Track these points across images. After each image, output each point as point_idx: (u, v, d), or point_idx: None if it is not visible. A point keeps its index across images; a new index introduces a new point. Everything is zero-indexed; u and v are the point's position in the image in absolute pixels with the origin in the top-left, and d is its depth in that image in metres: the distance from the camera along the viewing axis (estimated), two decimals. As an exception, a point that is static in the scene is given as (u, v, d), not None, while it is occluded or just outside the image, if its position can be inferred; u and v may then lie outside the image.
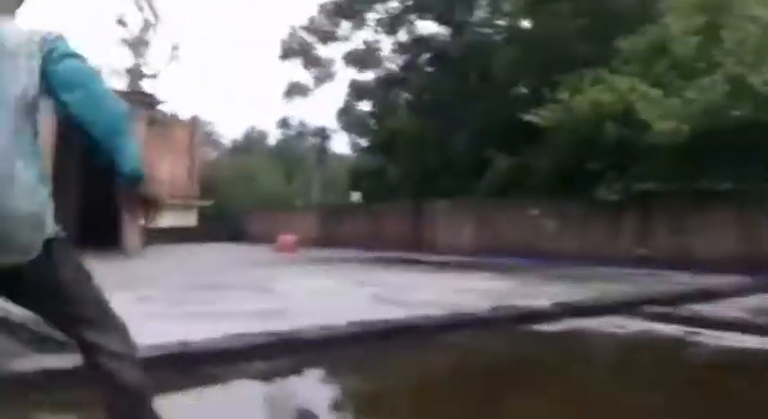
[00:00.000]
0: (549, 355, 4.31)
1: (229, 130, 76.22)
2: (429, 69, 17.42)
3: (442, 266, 10.37)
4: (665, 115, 9.28)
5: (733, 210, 9.39)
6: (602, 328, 5.02)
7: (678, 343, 4.57)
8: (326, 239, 16.91)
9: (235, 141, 42.60)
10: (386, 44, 18.94)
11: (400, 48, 18.41)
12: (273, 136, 40.46)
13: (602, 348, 4.48)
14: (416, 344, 4.25)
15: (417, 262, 11.21)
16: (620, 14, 13.00)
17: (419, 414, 2.97)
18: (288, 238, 14.80)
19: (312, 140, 32.64)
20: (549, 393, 3.31)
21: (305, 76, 21.88)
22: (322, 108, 55.49)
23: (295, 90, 22.79)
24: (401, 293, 6.51)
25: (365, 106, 20.76)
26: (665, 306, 5.71)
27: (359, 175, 20.46)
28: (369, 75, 19.78)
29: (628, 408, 3.01)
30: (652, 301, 5.84)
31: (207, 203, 22.50)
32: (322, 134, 30.35)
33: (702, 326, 4.96)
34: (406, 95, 18.44)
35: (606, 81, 10.62)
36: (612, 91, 10.27)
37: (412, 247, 14.16)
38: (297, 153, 36.19)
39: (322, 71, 21.20)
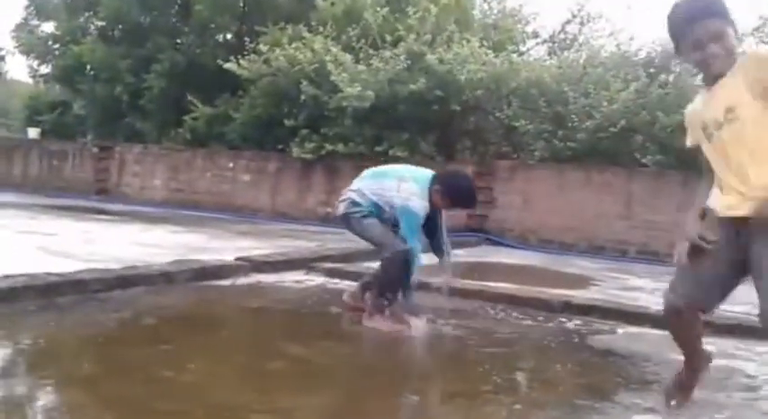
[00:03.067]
0: (220, 309, 4.39)
1: None
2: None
3: (128, 217, 9.81)
4: (353, 80, 9.88)
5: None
6: (281, 283, 5.25)
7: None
8: (-7, 180, 14.76)
9: None
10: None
11: (92, -35, 16.48)
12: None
13: (275, 301, 4.69)
14: (81, 301, 3.97)
15: (101, 211, 10.44)
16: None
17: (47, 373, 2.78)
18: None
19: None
20: (208, 347, 3.37)
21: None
22: (-5, 23, 47.66)
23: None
24: (76, 245, 6.03)
25: (48, 27, 18.37)
26: (341, 262, 6.15)
27: (38, 108, 18.12)
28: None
29: (291, 357, 3.22)
30: (330, 258, 6.24)
31: None
32: (-8, 54, 26.11)
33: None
34: (97, 21, 16.66)
35: (305, 39, 10.91)
36: (309, 50, 10.59)
37: (97, 194, 13.13)
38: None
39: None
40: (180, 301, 4.44)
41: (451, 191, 4.02)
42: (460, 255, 8.19)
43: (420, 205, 3.93)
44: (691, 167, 8.85)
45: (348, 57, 10.32)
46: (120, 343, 3.36)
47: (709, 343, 3.98)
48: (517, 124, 9.94)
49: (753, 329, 4.28)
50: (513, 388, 3.15)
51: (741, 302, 5.44)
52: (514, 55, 10.99)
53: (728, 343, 4.01)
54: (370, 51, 10.54)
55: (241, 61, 11.12)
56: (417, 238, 3.96)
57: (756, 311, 2.33)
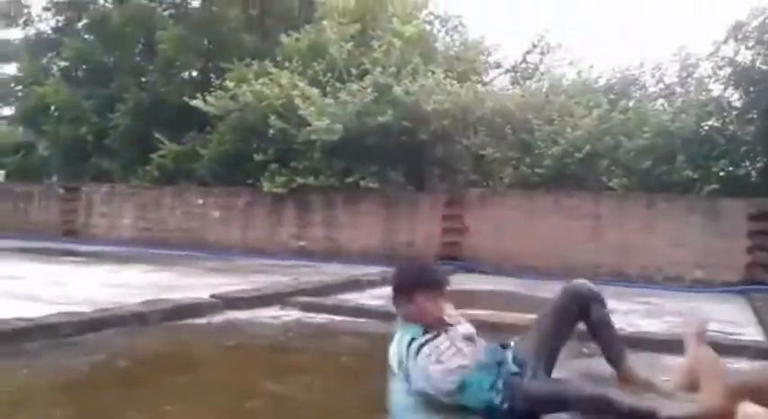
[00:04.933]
0: (196, 348, 4.32)
1: None
2: (87, 36, 15.86)
3: (97, 258, 9.64)
4: (321, 113, 9.95)
5: (379, 207, 10.48)
6: (256, 319, 5.20)
7: (323, 330, 4.97)
8: (-45, 224, 14.41)
9: None
10: (37, 1, 16.76)
11: (54, 6, 16.43)
12: None
13: (251, 338, 4.64)
14: (52, 345, 3.89)
15: (69, 252, 10.24)
16: (287, 11, 13.60)
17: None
18: None
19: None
20: (184, 388, 3.31)
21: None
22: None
23: None
24: (44, 288, 5.91)
25: (10, 69, 18.20)
26: (316, 296, 6.13)
27: (1, 150, 17.81)
28: (15, 34, 17.40)
29: (268, 395, 3.18)
30: (305, 292, 6.21)
31: None
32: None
33: (347, 315, 5.46)
34: (60, 62, 16.54)
35: (271, 74, 10.97)
36: (276, 85, 10.66)
37: (64, 236, 12.88)
38: None
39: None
40: (154, 342, 4.36)
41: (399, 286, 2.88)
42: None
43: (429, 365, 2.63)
44: (654, 189, 9.10)
45: (315, 91, 10.41)
46: (94, 388, 3.29)
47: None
48: (484, 152, 10.08)
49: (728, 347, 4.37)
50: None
51: (716, 320, 5.52)
52: (479, 85, 11.17)
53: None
54: (337, 85, 10.63)
55: (207, 98, 11.13)
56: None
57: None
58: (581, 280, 2.98)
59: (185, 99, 11.48)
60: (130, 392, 3.21)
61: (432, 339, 2.66)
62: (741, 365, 4.05)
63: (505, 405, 2.58)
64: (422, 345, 2.62)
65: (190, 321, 4.91)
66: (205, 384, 3.50)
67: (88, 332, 4.26)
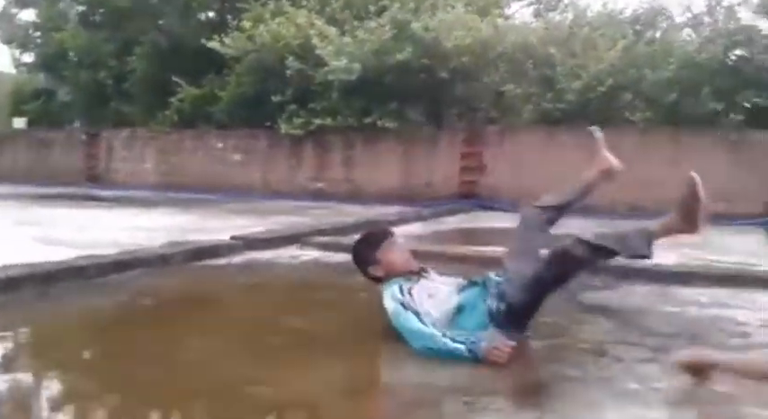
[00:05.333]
0: (217, 287, 4.42)
1: None
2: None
3: (120, 202, 9.80)
4: (338, 52, 9.81)
5: (397, 147, 10.44)
6: (276, 259, 5.28)
7: (341, 268, 5.03)
8: (-19, 172, 14.69)
9: None
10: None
11: (68, -48, 16.22)
12: None
13: (271, 277, 4.73)
14: (80, 286, 4.00)
15: (92, 198, 10.42)
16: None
17: (59, 361, 2.81)
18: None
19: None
20: (207, 325, 3.40)
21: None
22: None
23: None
24: (70, 233, 6.04)
25: (29, 15, 18.10)
26: (336, 236, 6.19)
27: (22, 97, 17.91)
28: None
29: (289, 329, 3.26)
30: (324, 232, 6.27)
31: None
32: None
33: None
34: (77, 6, 16.42)
35: (288, 13, 10.79)
36: (292, 24, 10.49)
37: (87, 181, 13.09)
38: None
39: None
40: (177, 282, 4.47)
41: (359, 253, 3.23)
42: (452, 222, 8.26)
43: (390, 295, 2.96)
44: (678, 123, 8.91)
45: (333, 30, 10.24)
46: (120, 326, 3.40)
47: (701, 294, 4.07)
48: (505, 89, 9.91)
49: (745, 278, 4.37)
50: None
51: (735, 252, 5.50)
52: (500, 19, 10.90)
53: (722, 293, 4.07)
54: (355, 23, 10.44)
55: (225, 39, 11.01)
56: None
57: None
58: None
59: (203, 41, 11.38)
60: (155, 329, 3.31)
61: (416, 282, 3.00)
62: (759, 296, 4.05)
63: (502, 306, 2.83)
64: (411, 289, 2.93)
65: (211, 262, 5.00)
66: (226, 321, 3.59)
67: (113, 273, 4.36)
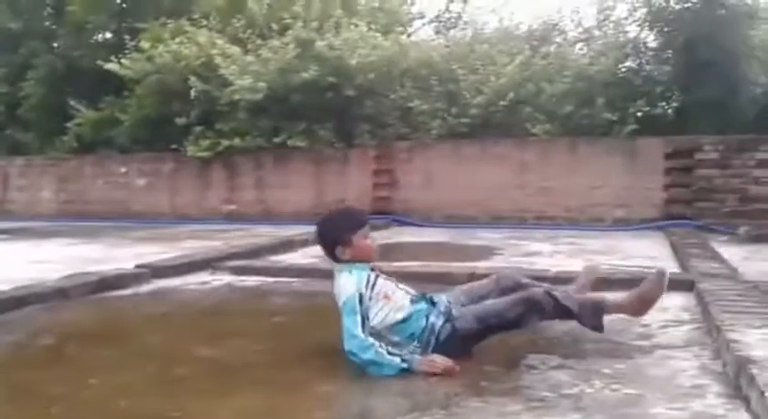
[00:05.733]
0: (122, 320, 4.22)
1: None
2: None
3: (17, 234, 9.26)
4: (242, 72, 9.70)
5: (308, 166, 10.39)
6: (185, 286, 5.11)
7: (254, 292, 4.94)
8: None
9: None
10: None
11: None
12: None
13: (180, 305, 4.57)
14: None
15: (-15, 230, 9.79)
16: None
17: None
18: None
19: None
20: (111, 360, 3.24)
21: None
22: None
23: None
24: (-41, 271, 5.63)
25: None
26: (249, 259, 6.06)
27: None
28: None
29: (198, 360, 3.15)
30: (236, 256, 6.13)
31: None
32: None
33: (278, 275, 5.43)
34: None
35: (188, 33, 10.59)
36: (194, 44, 10.30)
37: (-21, 213, 12.31)
38: None
39: None
40: (79, 316, 4.24)
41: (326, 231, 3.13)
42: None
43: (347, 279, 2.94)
44: (575, 133, 9.33)
45: (236, 49, 10.12)
46: (15, 367, 3.19)
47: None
48: (412, 104, 10.07)
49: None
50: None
51: (636, 255, 5.76)
52: (403, 37, 11.09)
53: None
54: (258, 41, 10.36)
55: (123, 60, 10.68)
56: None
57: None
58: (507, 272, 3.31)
59: (100, 63, 10.98)
60: (54, 369, 3.12)
61: (378, 277, 2.99)
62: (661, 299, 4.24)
63: (447, 326, 2.90)
64: (374, 284, 2.93)
65: (116, 293, 4.79)
66: (132, 354, 3.43)
67: (8, 311, 4.10)
